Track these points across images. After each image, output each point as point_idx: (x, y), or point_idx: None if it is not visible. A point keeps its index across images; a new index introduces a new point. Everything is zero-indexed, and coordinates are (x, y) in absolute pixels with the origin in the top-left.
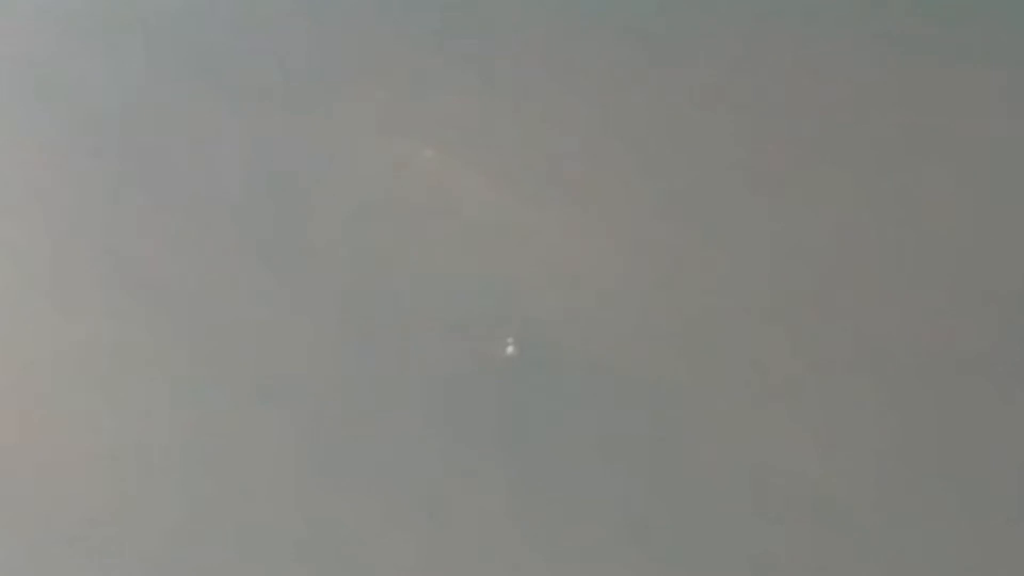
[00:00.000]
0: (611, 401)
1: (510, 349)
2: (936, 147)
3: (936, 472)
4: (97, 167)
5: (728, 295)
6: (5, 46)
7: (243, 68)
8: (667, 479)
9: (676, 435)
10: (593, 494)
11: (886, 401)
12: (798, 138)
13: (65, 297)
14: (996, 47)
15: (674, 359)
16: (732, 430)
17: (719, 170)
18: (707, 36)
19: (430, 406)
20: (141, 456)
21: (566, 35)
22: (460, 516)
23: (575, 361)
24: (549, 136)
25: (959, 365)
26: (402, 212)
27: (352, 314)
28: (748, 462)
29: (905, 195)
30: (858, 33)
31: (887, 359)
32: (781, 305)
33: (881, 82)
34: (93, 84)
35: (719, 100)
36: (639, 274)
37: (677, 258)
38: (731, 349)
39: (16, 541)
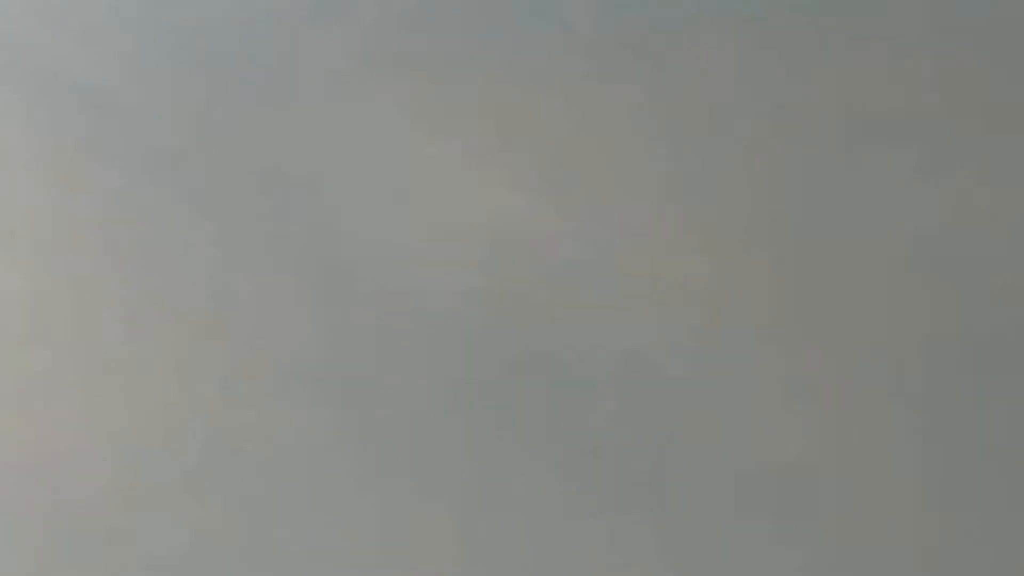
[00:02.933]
0: (616, 401)
1: (512, 350)
2: (940, 147)
3: (939, 469)
4: (101, 167)
5: (732, 296)
6: (7, 46)
7: (250, 66)
8: (672, 478)
9: (683, 433)
10: (598, 494)
11: (892, 398)
12: (803, 139)
13: (67, 297)
14: (997, 47)
15: (679, 358)
16: (737, 429)
17: (723, 169)
18: (713, 36)
19: (432, 405)
20: (149, 458)
21: (572, 34)
22: (462, 517)
23: (580, 361)
24: (555, 136)
25: (965, 362)
26: (411, 211)
27: (356, 312)
28: (752, 461)
29: (907, 195)
30: (861, 35)
31: (893, 356)
32: (785, 305)
33: (884, 83)
34: (99, 83)
35: (733, 96)
36: (644, 274)
37: (683, 257)
38: (736, 349)
39: (18, 543)
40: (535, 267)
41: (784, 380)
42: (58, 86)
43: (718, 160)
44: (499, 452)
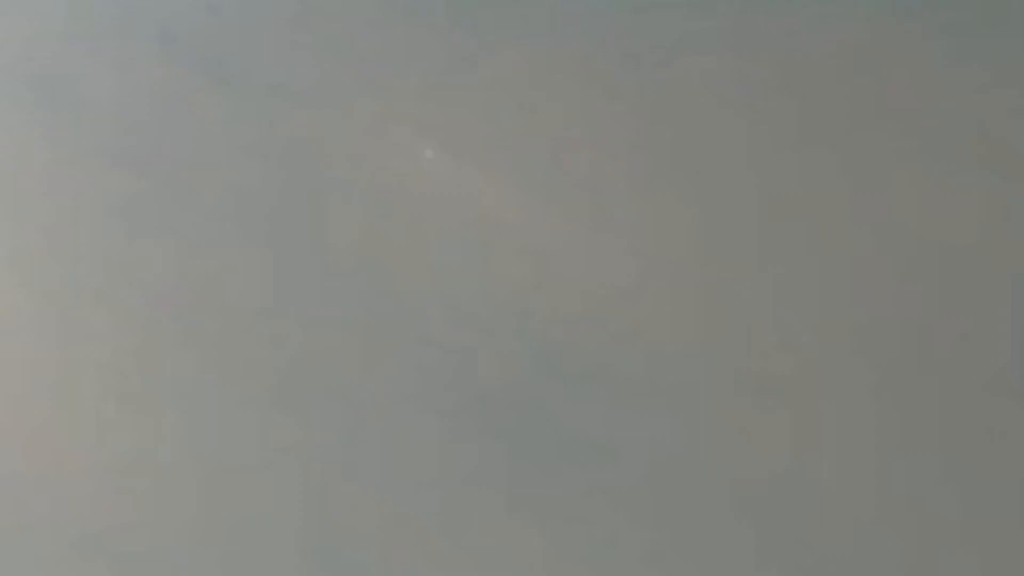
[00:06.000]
0: (615, 403)
1: (510, 350)
2: (941, 147)
3: (936, 474)
4: (102, 167)
5: (731, 296)
6: (10, 46)
7: (251, 67)
8: (671, 480)
9: (680, 437)
10: (596, 496)
11: (889, 404)
12: (806, 139)
13: (70, 300)
14: (997, 47)
15: (678, 360)
16: (737, 432)
17: (727, 170)
18: (714, 34)
19: (432, 406)
20: (150, 463)
21: (572, 34)
22: (463, 518)
23: (579, 362)
24: (557, 137)
25: (961, 367)
26: (411, 213)
27: (356, 314)
28: (751, 464)
29: (908, 196)
30: (858, 37)
31: (893, 360)
32: (785, 306)
33: (886, 84)
34: (101, 84)
35: (726, 99)
36: (644, 274)
37: (682, 258)
38: (737, 351)
39: (21, 547)
40: (532, 268)
41: (779, 383)
42: (57, 91)
43: (714, 162)
44: (495, 454)
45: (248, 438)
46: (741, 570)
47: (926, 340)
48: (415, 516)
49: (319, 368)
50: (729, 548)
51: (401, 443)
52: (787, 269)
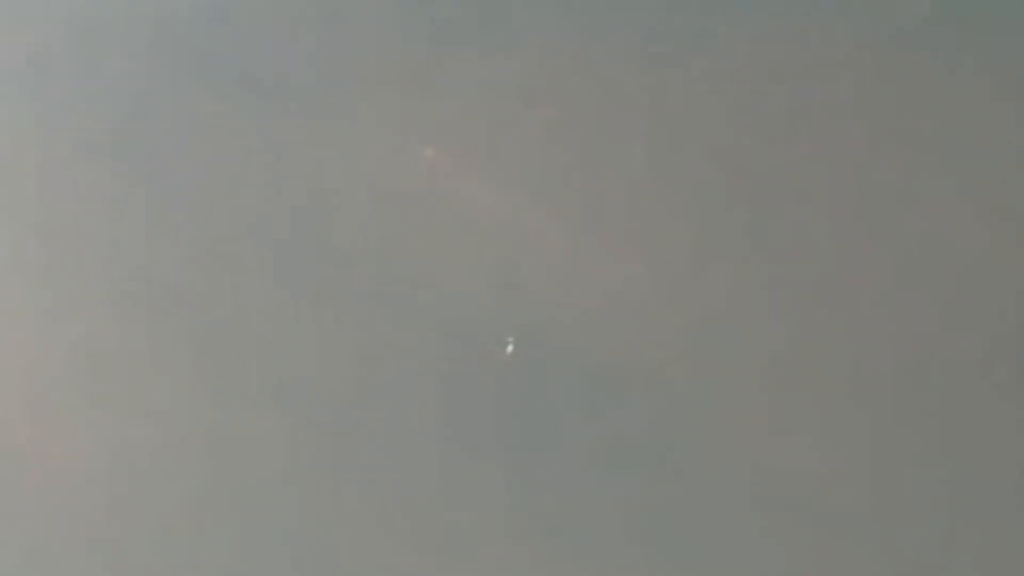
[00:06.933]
0: (612, 402)
1: (510, 348)
2: (938, 148)
3: (935, 473)
4: (105, 168)
5: (730, 297)
6: (11, 46)
7: (254, 69)
8: (667, 480)
9: (677, 436)
10: (593, 495)
11: (887, 403)
12: (803, 141)
13: (71, 300)
14: (996, 47)
15: (675, 360)
16: (733, 432)
17: (723, 171)
18: (713, 38)
19: (432, 406)
20: (145, 460)
21: (573, 37)
22: (460, 516)
23: (577, 362)
24: (556, 137)
25: (960, 367)
26: (409, 214)
27: (356, 315)
28: (749, 463)
29: (907, 198)
30: (856, 41)
31: (889, 361)
32: (783, 307)
33: (885, 85)
34: (103, 84)
35: (726, 101)
36: (642, 275)
37: (679, 259)
38: (733, 351)
39: (16, 542)
40: (528, 269)
41: (775, 384)
42: (54, 89)
43: (713, 161)
44: (491, 450)
45: (247, 437)
46: (742, 570)
47: (927, 339)
48: (414, 516)
49: (317, 366)
50: (730, 548)
51: (401, 444)
52: (787, 269)
